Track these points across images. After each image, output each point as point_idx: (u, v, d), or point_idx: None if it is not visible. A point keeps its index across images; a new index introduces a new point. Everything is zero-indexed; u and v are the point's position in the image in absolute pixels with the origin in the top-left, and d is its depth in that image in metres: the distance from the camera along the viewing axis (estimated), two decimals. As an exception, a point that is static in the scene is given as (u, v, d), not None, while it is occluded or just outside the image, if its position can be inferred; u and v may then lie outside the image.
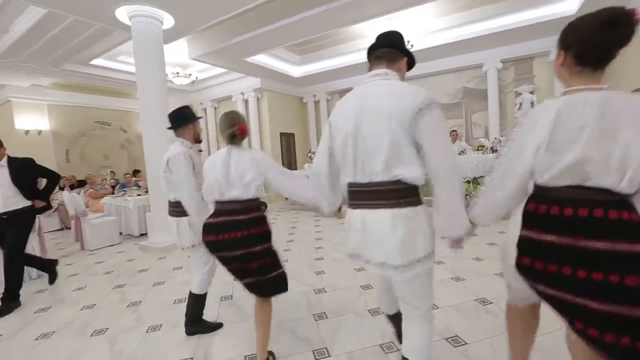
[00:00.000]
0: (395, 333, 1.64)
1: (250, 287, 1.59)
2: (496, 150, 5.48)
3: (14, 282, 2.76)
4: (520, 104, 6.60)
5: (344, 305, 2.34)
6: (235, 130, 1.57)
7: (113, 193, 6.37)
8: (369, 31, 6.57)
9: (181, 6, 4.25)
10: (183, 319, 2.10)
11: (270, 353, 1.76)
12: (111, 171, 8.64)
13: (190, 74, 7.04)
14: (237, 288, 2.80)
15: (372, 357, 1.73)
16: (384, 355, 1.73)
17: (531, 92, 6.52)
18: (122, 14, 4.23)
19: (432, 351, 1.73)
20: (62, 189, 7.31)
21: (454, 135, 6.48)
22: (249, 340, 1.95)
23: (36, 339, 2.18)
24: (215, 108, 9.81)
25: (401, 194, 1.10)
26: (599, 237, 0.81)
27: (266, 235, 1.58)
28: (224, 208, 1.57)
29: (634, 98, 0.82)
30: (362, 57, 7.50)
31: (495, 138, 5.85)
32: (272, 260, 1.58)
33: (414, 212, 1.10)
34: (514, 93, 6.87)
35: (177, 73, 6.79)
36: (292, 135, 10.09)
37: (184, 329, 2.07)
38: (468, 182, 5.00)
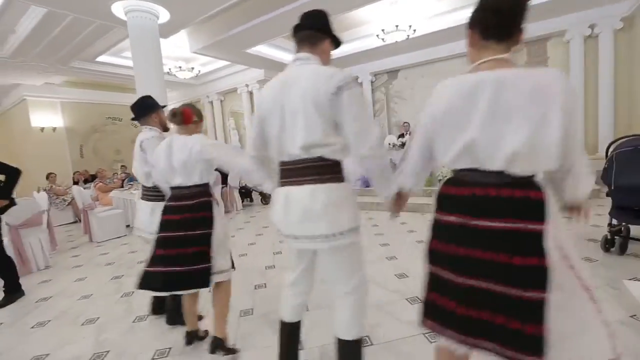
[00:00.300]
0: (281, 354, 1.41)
1: (173, 277, 1.60)
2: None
3: (8, 277, 2.84)
4: (533, 89, 6.28)
5: (328, 297, 2.32)
6: (177, 109, 1.64)
7: (122, 187, 6.57)
8: (372, 17, 6.37)
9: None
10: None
11: (230, 350, 1.74)
12: (122, 165, 8.90)
13: (192, 68, 7.07)
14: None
15: (344, 351, 1.70)
16: (357, 349, 1.70)
17: (544, 76, 6.18)
18: (118, 9, 4.26)
19: (408, 346, 1.70)
20: (76, 183, 7.64)
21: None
22: (232, 332, 1.97)
23: (32, 327, 2.29)
24: (221, 101, 9.88)
25: (323, 171, 1.14)
26: (491, 216, 0.81)
27: (208, 221, 1.63)
28: (175, 193, 1.68)
29: (533, 78, 0.77)
30: (366, 44, 7.38)
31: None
32: (206, 250, 1.62)
33: (336, 188, 1.15)
34: (526, 77, 6.52)
35: (180, 67, 6.84)
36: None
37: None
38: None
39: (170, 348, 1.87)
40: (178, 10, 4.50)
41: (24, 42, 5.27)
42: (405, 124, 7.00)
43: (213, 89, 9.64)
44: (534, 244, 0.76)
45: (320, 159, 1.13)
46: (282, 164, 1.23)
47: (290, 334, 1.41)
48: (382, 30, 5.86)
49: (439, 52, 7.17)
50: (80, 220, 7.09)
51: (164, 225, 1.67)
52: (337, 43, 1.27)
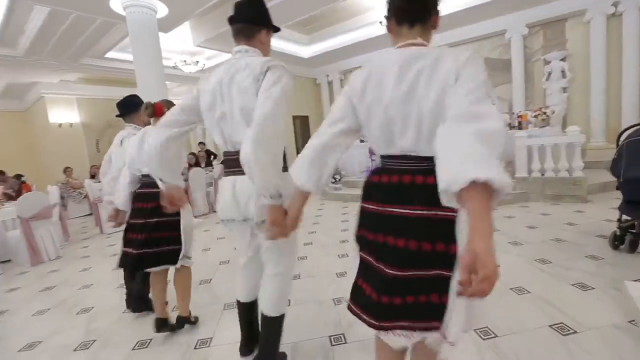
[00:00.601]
0: (244, 336, 1.55)
1: (142, 259, 1.75)
2: (515, 127, 4.99)
3: None
4: (549, 74, 5.90)
5: (311, 292, 2.31)
6: (148, 103, 1.74)
7: (133, 180, 6.78)
8: (375, 3, 6.15)
9: (172, -7, 4.24)
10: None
11: (193, 321, 1.97)
12: (136, 159, 9.18)
13: (197, 62, 7.11)
14: (219, 273, 2.88)
15: (316, 348, 1.69)
16: (329, 347, 1.68)
17: (562, 59, 5.77)
18: (117, 5, 4.31)
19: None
20: (93, 176, 7.96)
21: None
22: (212, 325, 2.00)
23: (33, 315, 2.42)
24: (229, 94, 9.93)
25: None
26: (405, 203, 0.82)
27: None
28: (145, 181, 1.79)
29: (440, 52, 0.77)
30: (372, 31, 7.16)
31: (514, 113, 5.30)
32: (176, 235, 1.78)
33: (282, 177, 1.14)
34: (542, 61, 6.12)
35: (185, 61, 6.89)
36: (306, 117, 9.97)
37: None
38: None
39: (151, 339, 1.92)
40: (176, 4, 4.50)
41: (34, 41, 5.46)
42: None
43: (221, 82, 9.69)
44: (443, 230, 0.78)
45: None
46: (227, 154, 1.27)
47: (245, 312, 1.51)
48: (385, 16, 5.63)
49: (451, 37, 6.86)
50: (95, 212, 7.43)
51: (135, 212, 1.82)
52: (275, 30, 1.28)
